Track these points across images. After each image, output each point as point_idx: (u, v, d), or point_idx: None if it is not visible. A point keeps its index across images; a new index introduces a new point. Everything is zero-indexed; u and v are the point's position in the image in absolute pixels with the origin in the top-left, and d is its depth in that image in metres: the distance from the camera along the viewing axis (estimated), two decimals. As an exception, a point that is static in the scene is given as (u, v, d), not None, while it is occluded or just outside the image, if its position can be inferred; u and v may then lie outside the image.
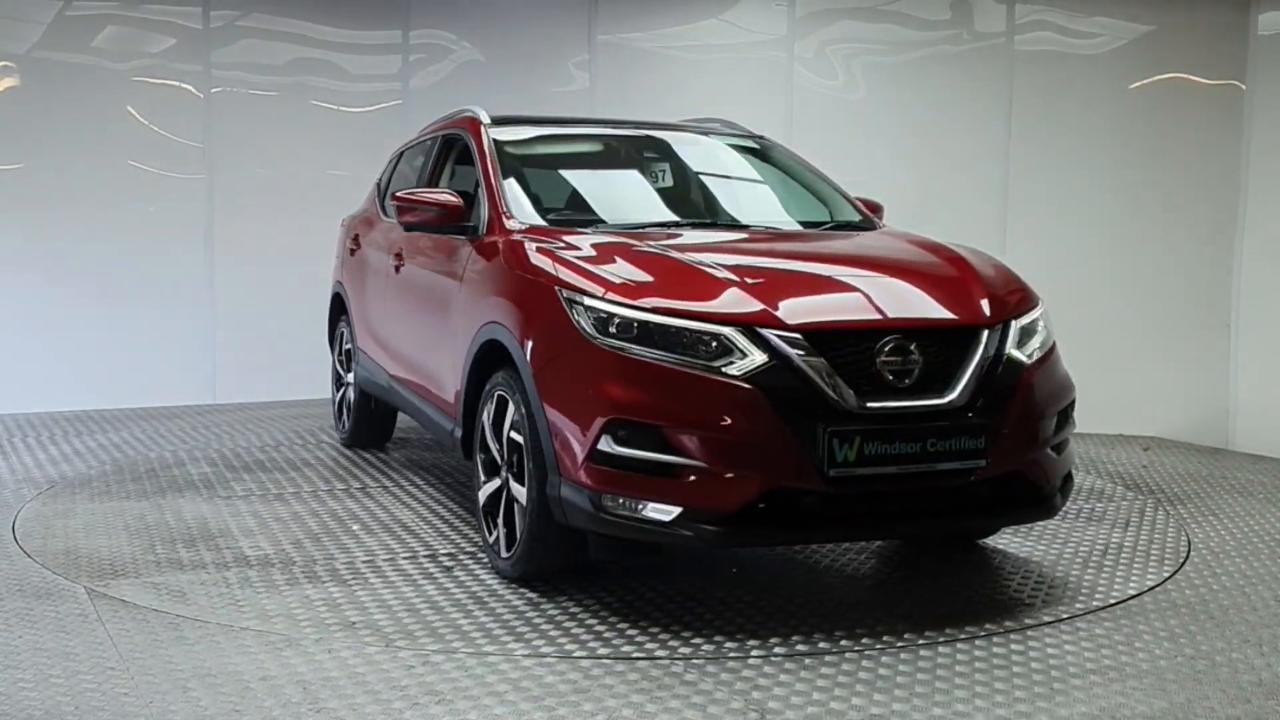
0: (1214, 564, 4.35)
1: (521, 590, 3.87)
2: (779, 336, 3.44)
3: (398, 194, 4.59)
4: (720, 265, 3.77)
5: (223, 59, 7.74)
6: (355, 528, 4.65)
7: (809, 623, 3.61)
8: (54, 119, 7.35)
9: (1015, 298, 3.94)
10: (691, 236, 4.32)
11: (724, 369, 3.41)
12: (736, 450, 3.37)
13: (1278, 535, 4.77)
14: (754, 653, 3.34)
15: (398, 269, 5.29)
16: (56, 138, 7.36)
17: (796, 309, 3.55)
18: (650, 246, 3.97)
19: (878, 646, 3.41)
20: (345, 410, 6.28)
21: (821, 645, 3.42)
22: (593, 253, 3.91)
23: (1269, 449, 6.53)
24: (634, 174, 5.11)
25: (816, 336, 3.46)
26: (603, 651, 3.34)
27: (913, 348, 3.51)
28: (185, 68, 7.65)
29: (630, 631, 3.50)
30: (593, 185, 4.96)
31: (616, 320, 3.53)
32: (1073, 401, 3.95)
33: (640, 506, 3.42)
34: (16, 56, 7.32)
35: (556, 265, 3.83)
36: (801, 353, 3.43)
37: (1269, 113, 6.66)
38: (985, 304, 3.77)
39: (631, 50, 8.14)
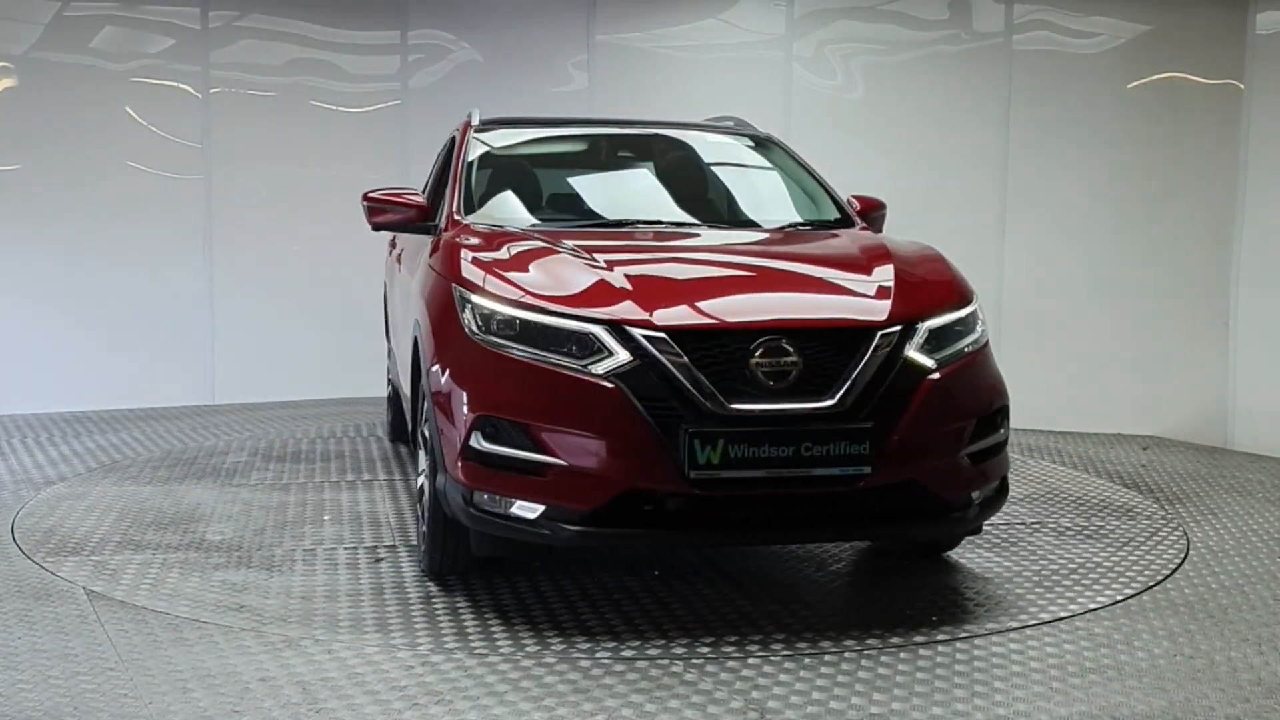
0: (1213, 563, 4.35)
1: (428, 583, 3.88)
2: (645, 336, 3.40)
3: (367, 194, 4.64)
4: (619, 265, 3.74)
5: (221, 59, 7.74)
6: (326, 518, 4.73)
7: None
8: (52, 120, 7.35)
9: (933, 299, 3.75)
10: (620, 237, 4.29)
11: (590, 368, 3.39)
12: (597, 449, 3.36)
13: (1277, 534, 4.77)
14: (754, 652, 3.34)
15: (399, 267, 5.45)
16: (55, 139, 7.36)
17: (669, 309, 3.49)
18: (562, 247, 3.92)
19: (877, 646, 3.41)
20: (388, 404, 6.47)
21: (821, 645, 3.41)
22: (504, 253, 3.91)
23: (1268, 448, 6.53)
24: (609, 174, 5.10)
25: (684, 336, 3.40)
26: (602, 652, 3.34)
27: (790, 349, 3.39)
28: (184, 68, 7.65)
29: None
30: (558, 185, 4.96)
31: (497, 318, 3.56)
32: (1001, 408, 3.77)
33: (508, 504, 3.44)
34: (15, 57, 7.32)
35: (461, 264, 3.83)
36: (667, 352, 3.38)
37: (1267, 112, 6.66)
38: (887, 306, 3.59)
39: (630, 50, 8.14)
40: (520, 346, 3.49)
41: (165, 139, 7.62)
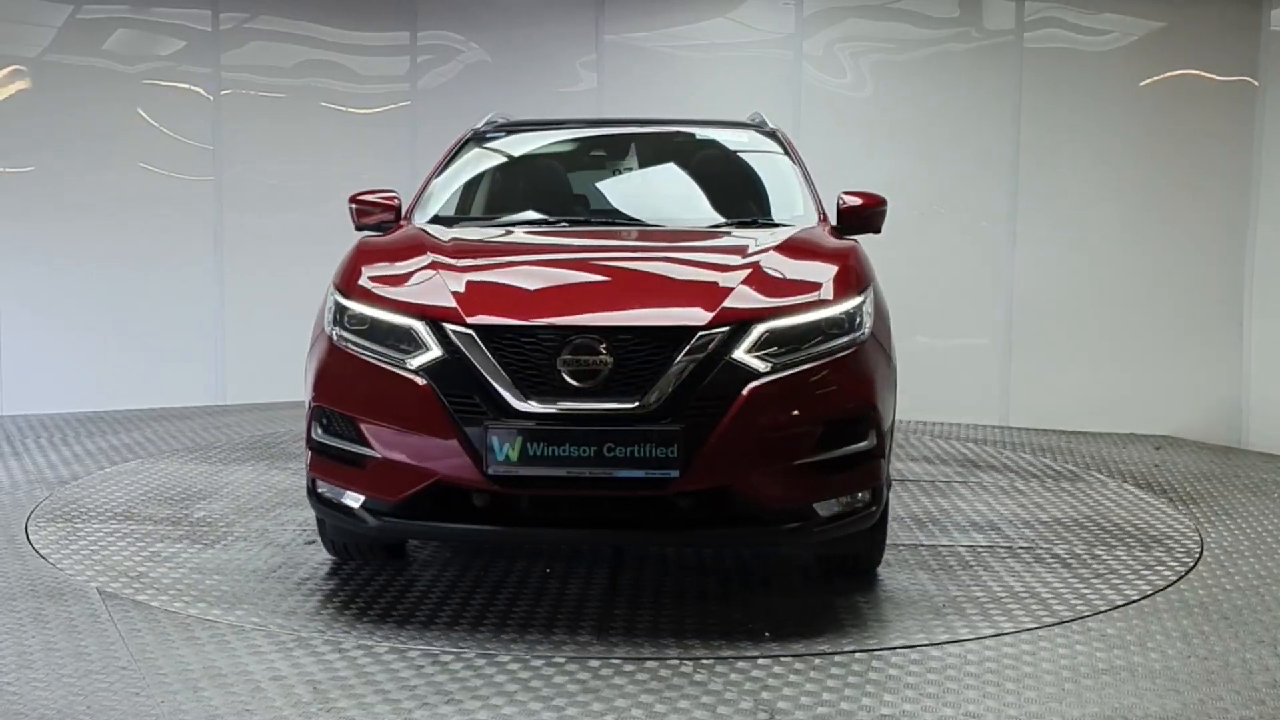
0: (1227, 564, 4.33)
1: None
2: (455, 332, 3.44)
3: (353, 197, 4.70)
4: (479, 262, 3.83)
5: (232, 61, 7.77)
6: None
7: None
8: (65, 122, 7.38)
9: (790, 299, 3.57)
10: (528, 235, 4.39)
11: (407, 362, 3.46)
12: (407, 442, 3.44)
13: (1291, 534, 4.75)
14: (764, 653, 3.34)
15: None
16: (67, 141, 7.39)
17: (485, 305, 3.51)
18: (443, 245, 3.99)
19: (887, 646, 3.40)
20: None
21: (831, 645, 3.41)
22: (381, 253, 4.01)
23: (1282, 447, 6.51)
24: (574, 173, 5.10)
25: (493, 333, 3.42)
26: (612, 652, 3.34)
27: (600, 350, 3.35)
28: (195, 70, 7.68)
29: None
30: (516, 185, 5.00)
31: (346, 314, 3.67)
32: (863, 416, 3.54)
33: (340, 494, 3.57)
34: (28, 60, 7.35)
35: (343, 262, 3.95)
36: (473, 349, 3.40)
37: (1281, 109, 6.63)
38: (718, 307, 3.46)
39: (639, 50, 8.13)
40: (358, 341, 3.59)
41: (176, 140, 7.65)
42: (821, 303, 3.60)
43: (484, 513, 3.45)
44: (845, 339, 3.56)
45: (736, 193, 4.84)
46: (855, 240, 4.25)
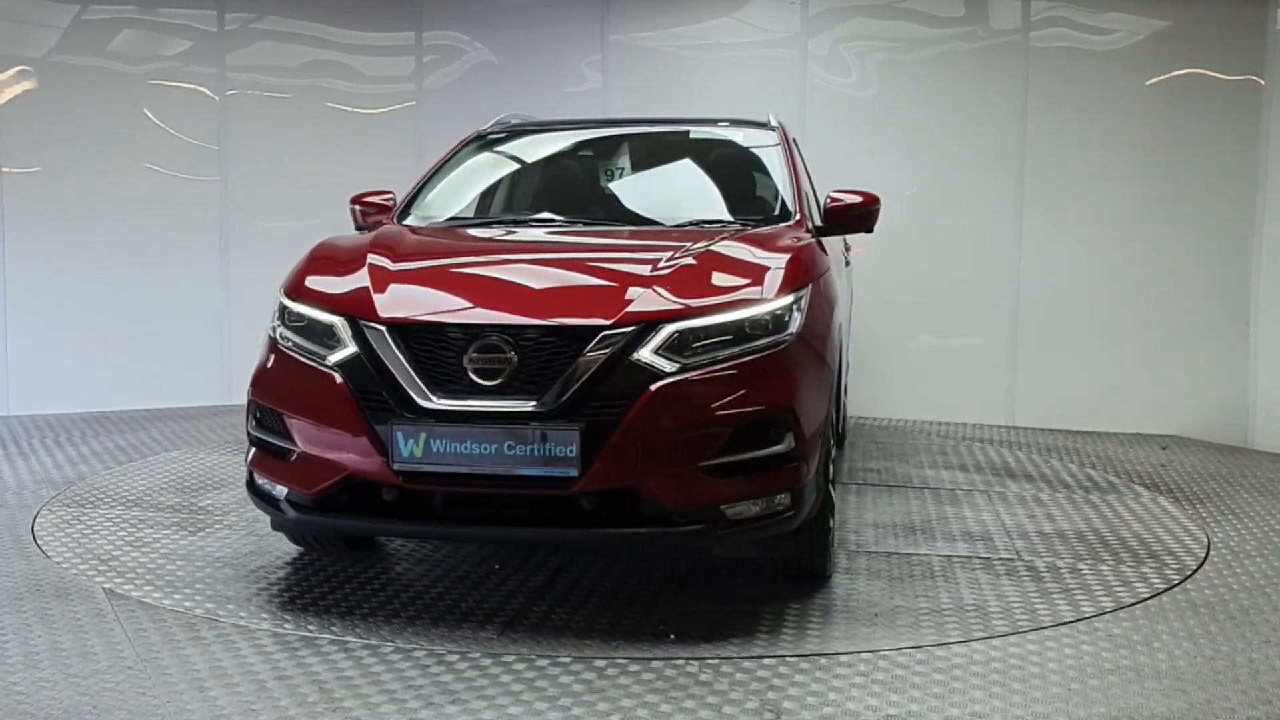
0: (1234, 564, 4.31)
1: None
2: (369, 329, 3.50)
3: (355, 198, 4.89)
4: (414, 261, 3.89)
5: (237, 61, 7.78)
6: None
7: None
8: (71, 122, 7.40)
9: (710, 300, 3.51)
10: (478, 235, 4.46)
11: (326, 359, 3.54)
12: (323, 437, 3.50)
13: (1298, 534, 4.74)
14: (769, 653, 3.34)
15: None
16: (73, 141, 7.41)
17: (400, 302, 3.56)
18: (387, 244, 4.06)
19: (893, 647, 3.40)
20: None
21: (837, 645, 3.40)
22: (332, 252, 4.08)
23: (1289, 447, 6.49)
24: (556, 173, 5.15)
25: (404, 331, 3.46)
26: (618, 652, 3.34)
27: (505, 348, 3.36)
28: (200, 70, 7.69)
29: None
30: (495, 185, 5.05)
31: (286, 312, 3.77)
32: (778, 419, 3.45)
33: (272, 487, 3.66)
34: (34, 60, 7.37)
35: (299, 263, 4.03)
36: (385, 346, 3.46)
37: (1288, 108, 6.61)
38: (627, 306, 3.44)
39: (644, 50, 8.13)
40: (293, 339, 3.68)
41: (182, 140, 7.67)
42: (742, 303, 3.53)
43: (393, 508, 3.48)
44: (766, 340, 3.50)
45: (714, 192, 4.83)
46: (811, 240, 4.12)
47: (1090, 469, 6.00)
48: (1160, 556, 4.35)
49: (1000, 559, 4.29)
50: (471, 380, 3.37)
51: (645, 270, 3.66)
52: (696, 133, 5.22)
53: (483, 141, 5.24)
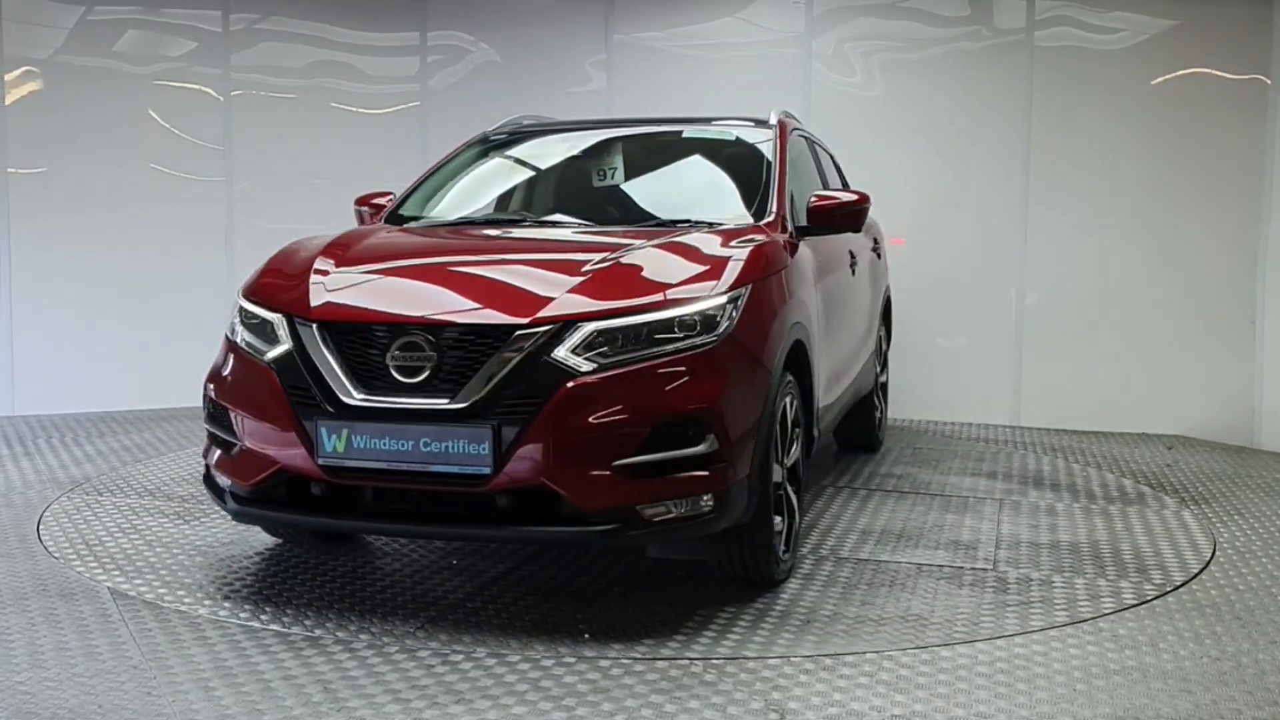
0: (1239, 564, 4.31)
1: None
2: (302, 326, 3.60)
3: (358, 199, 5.06)
4: (351, 263, 3.94)
5: (242, 62, 7.79)
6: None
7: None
8: (76, 123, 7.41)
9: (634, 299, 3.50)
10: (446, 234, 4.52)
11: (265, 355, 3.66)
12: (259, 431, 3.61)
13: (1304, 534, 4.73)
14: (774, 653, 3.33)
15: None
16: (78, 141, 7.42)
17: (333, 301, 3.65)
18: (343, 244, 4.17)
19: (898, 647, 3.39)
20: None
21: (841, 645, 3.40)
22: (293, 251, 4.18)
23: (1295, 447, 6.48)
24: (547, 174, 5.16)
25: (333, 328, 3.56)
26: (622, 652, 3.34)
27: (424, 346, 3.42)
28: (205, 71, 7.70)
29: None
30: (485, 185, 5.09)
31: (241, 310, 3.89)
32: (696, 421, 3.41)
33: (220, 479, 3.76)
34: (39, 61, 7.38)
35: (263, 263, 4.15)
36: (314, 342, 3.56)
37: (1293, 107, 6.60)
38: (544, 305, 3.46)
39: (648, 49, 8.13)
40: (244, 336, 3.81)
41: (187, 140, 7.68)
42: (667, 303, 3.51)
43: (321, 503, 3.57)
44: (691, 340, 3.48)
45: (695, 192, 4.85)
46: (769, 240, 4.04)
47: (1124, 478, 5.99)
48: (1148, 572, 4.18)
49: (974, 569, 4.15)
50: (394, 378, 3.44)
51: (574, 270, 3.67)
52: (690, 132, 5.20)
53: (484, 143, 5.29)
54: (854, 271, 5.38)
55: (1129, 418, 7.12)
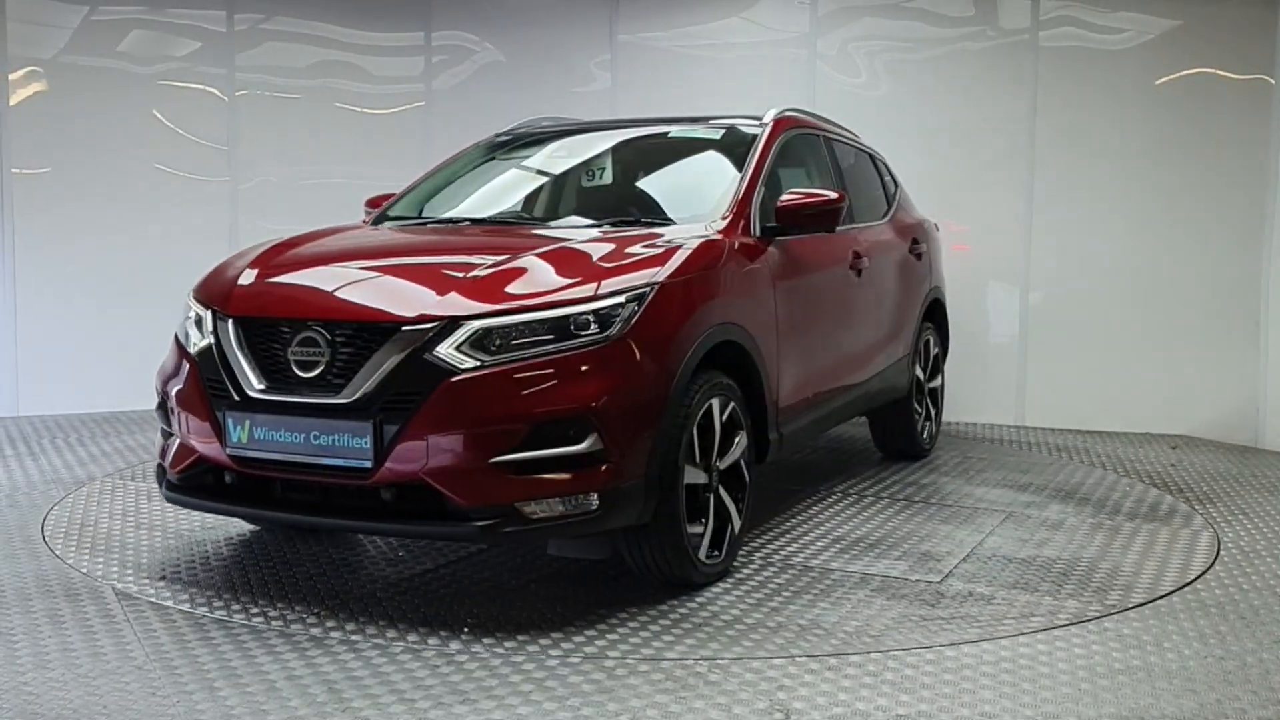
0: (1244, 564, 4.30)
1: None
2: (221, 320, 3.77)
3: (368, 201, 5.22)
4: (283, 261, 4.07)
5: (247, 62, 7.80)
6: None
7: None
8: (80, 123, 7.42)
9: (528, 297, 3.53)
10: (370, 235, 4.61)
11: (191, 348, 3.86)
12: (186, 421, 3.79)
13: (1309, 534, 4.71)
14: (778, 652, 3.33)
15: None
16: (83, 142, 7.43)
17: (252, 297, 3.81)
18: (290, 243, 4.31)
19: (903, 647, 3.39)
20: None
21: (846, 645, 3.40)
22: (253, 249, 4.32)
23: (1300, 447, 6.46)
24: (533, 174, 5.21)
25: (246, 323, 3.72)
26: (627, 652, 3.34)
27: (319, 342, 3.53)
28: (210, 71, 7.71)
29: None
30: (470, 185, 5.14)
31: (189, 308, 4.01)
32: (576, 419, 3.40)
33: (162, 467, 3.94)
34: (43, 61, 7.39)
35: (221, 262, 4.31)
36: (228, 336, 3.72)
37: (1298, 107, 6.59)
38: (433, 302, 3.51)
39: (653, 49, 8.13)
40: (182, 328, 3.99)
41: (192, 141, 7.69)
42: (558, 303, 3.52)
43: (236, 492, 3.72)
44: (580, 340, 3.48)
45: (664, 193, 4.87)
46: (701, 241, 4.01)
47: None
48: (1106, 592, 3.87)
49: (921, 581, 4.00)
50: (295, 373, 3.57)
51: (470, 269, 3.73)
52: (676, 132, 5.18)
53: (487, 146, 5.33)
54: (860, 272, 5.26)
55: (1133, 417, 7.11)
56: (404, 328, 3.46)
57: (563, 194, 5.12)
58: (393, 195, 5.21)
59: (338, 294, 3.74)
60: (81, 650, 3.32)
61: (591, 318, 3.53)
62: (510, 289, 3.59)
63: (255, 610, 3.68)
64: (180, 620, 3.58)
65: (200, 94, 7.70)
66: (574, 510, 3.44)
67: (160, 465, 3.99)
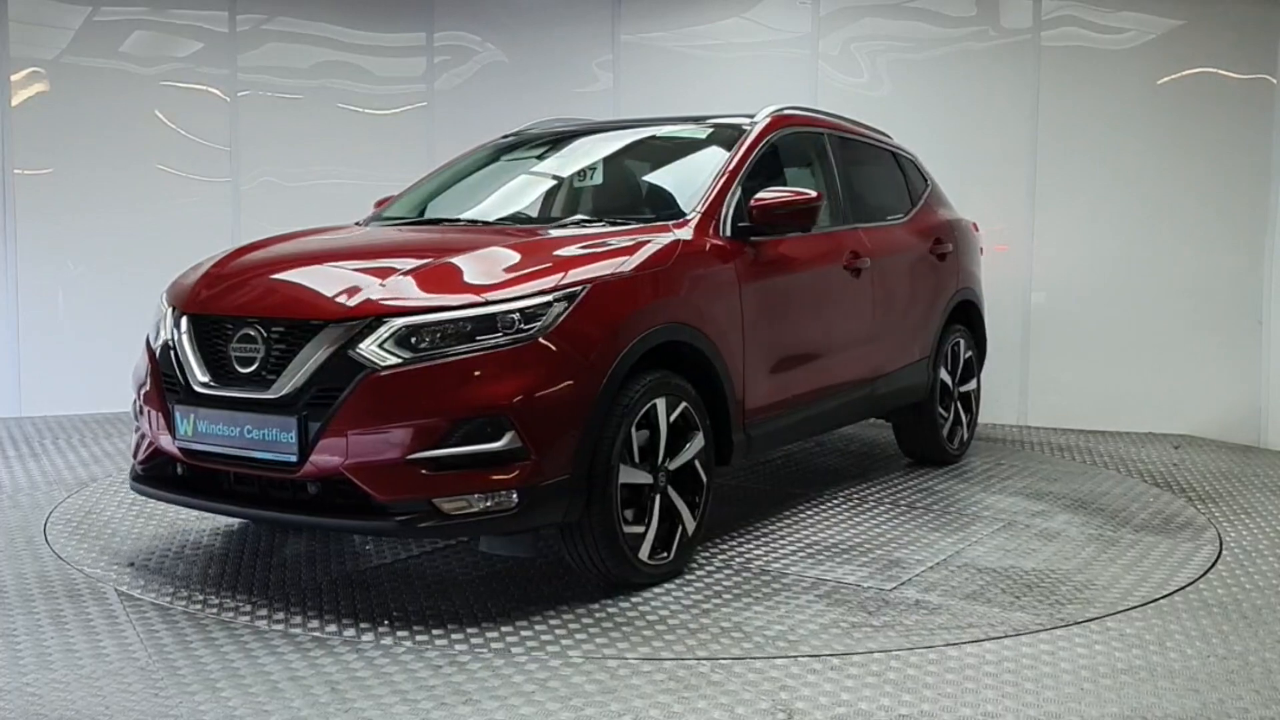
0: (1246, 563, 4.30)
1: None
2: (179, 318, 3.92)
3: (378, 202, 5.29)
4: (248, 260, 4.17)
5: (249, 62, 7.81)
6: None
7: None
8: (82, 123, 7.43)
9: (438, 299, 3.56)
10: (343, 233, 4.69)
11: (152, 344, 4.02)
12: (146, 413, 3.96)
13: (1312, 534, 4.71)
14: (781, 652, 3.33)
15: None
16: (85, 142, 7.44)
17: (207, 295, 3.93)
18: (268, 243, 4.44)
19: (905, 646, 3.39)
20: None
21: (849, 645, 3.40)
22: (229, 247, 4.50)
23: (1302, 447, 6.46)
24: (527, 175, 5.25)
25: (197, 320, 3.85)
26: (630, 652, 3.34)
27: (255, 338, 3.66)
28: (212, 71, 7.72)
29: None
30: (464, 185, 5.18)
31: (158, 307, 4.14)
32: (493, 418, 3.42)
33: (133, 459, 4.10)
34: (46, 62, 7.40)
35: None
36: (181, 333, 3.87)
37: (1300, 106, 6.58)
38: (358, 300, 3.56)
39: (655, 50, 8.14)
40: (153, 326, 4.11)
41: (194, 141, 7.69)
42: (483, 302, 3.54)
43: (187, 483, 3.85)
44: (502, 338, 3.50)
45: (633, 192, 4.94)
46: (631, 243, 3.98)
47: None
48: (1063, 606, 3.71)
49: (875, 588, 3.90)
50: (235, 369, 3.69)
51: (401, 268, 3.76)
52: (670, 132, 5.16)
53: (491, 146, 5.35)
54: (858, 273, 5.14)
55: (1136, 417, 7.11)
56: (330, 325, 3.54)
57: (555, 195, 5.14)
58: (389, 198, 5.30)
59: (277, 292, 3.84)
60: (84, 650, 3.32)
61: (517, 316, 3.54)
62: (436, 288, 3.64)
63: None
64: (182, 621, 3.58)
65: (202, 95, 7.71)
66: (494, 508, 3.47)
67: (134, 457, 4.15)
